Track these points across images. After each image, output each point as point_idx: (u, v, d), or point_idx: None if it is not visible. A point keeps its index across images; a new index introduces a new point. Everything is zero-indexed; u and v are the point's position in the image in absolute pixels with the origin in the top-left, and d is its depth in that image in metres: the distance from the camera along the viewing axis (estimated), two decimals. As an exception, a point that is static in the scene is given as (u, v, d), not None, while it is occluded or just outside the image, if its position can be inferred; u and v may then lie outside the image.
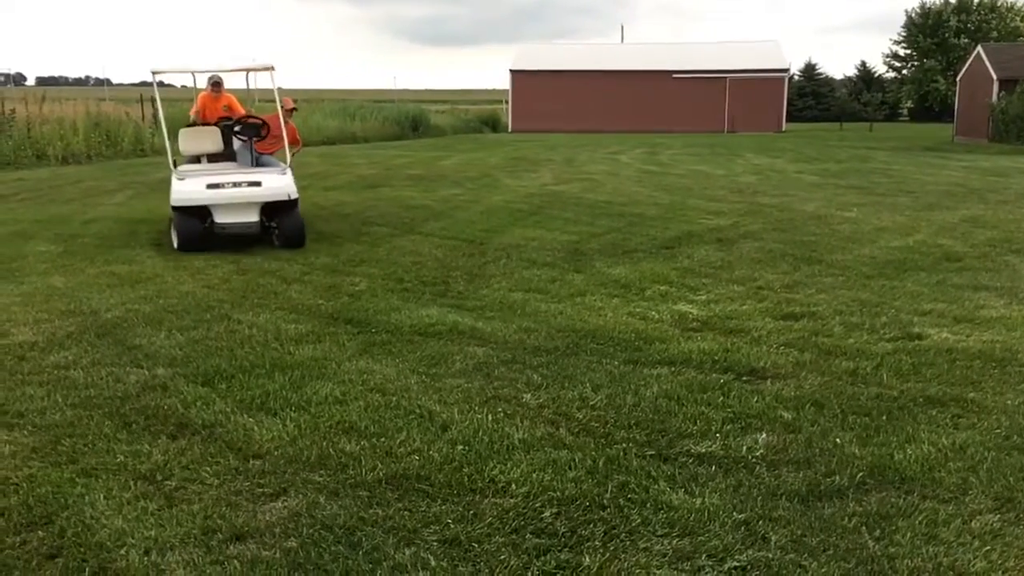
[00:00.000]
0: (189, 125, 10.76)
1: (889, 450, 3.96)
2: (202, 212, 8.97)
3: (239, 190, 8.98)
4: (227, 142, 10.39)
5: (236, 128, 10.01)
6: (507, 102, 48.39)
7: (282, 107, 9.99)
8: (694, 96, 45.12)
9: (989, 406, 4.52)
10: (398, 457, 3.92)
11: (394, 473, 3.75)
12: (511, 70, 47.41)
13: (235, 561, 3.08)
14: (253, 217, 9.13)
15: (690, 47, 49.78)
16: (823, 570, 3.01)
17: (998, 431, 4.19)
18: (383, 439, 4.11)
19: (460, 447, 4.00)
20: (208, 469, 3.81)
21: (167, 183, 9.64)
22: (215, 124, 10.50)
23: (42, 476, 3.76)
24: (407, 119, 38.56)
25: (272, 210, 9.21)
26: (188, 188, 8.95)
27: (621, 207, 12.64)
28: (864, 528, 3.29)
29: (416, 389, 4.80)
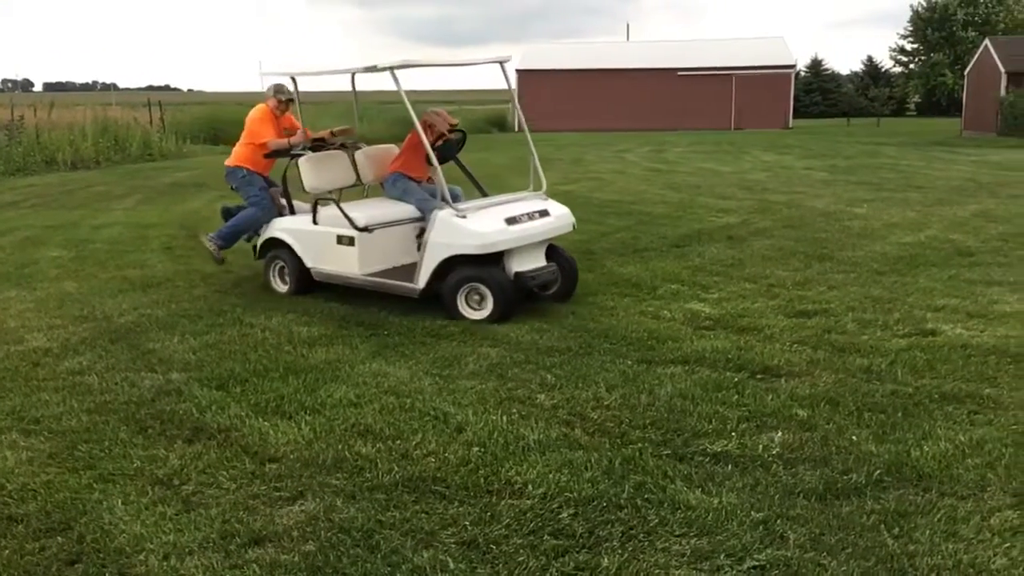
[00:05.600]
0: (281, 153, 7.44)
1: (906, 447, 3.95)
2: (498, 259, 6.43)
3: (534, 224, 6.55)
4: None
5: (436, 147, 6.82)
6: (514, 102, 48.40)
7: (442, 122, 7.23)
8: (700, 93, 44.95)
9: (1005, 402, 4.50)
10: (414, 459, 3.92)
11: (410, 475, 3.76)
12: (517, 70, 47.34)
13: (254, 565, 3.09)
14: (543, 260, 6.75)
15: (696, 44, 49.60)
16: (843, 568, 3.00)
17: (1015, 427, 4.17)
18: (399, 441, 4.12)
19: (476, 449, 4.00)
20: (225, 473, 3.83)
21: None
22: (308, 148, 7.43)
23: (60, 482, 3.78)
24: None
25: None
26: (487, 228, 6.26)
27: (630, 206, 12.62)
28: (883, 526, 3.28)
29: (430, 391, 4.81)
